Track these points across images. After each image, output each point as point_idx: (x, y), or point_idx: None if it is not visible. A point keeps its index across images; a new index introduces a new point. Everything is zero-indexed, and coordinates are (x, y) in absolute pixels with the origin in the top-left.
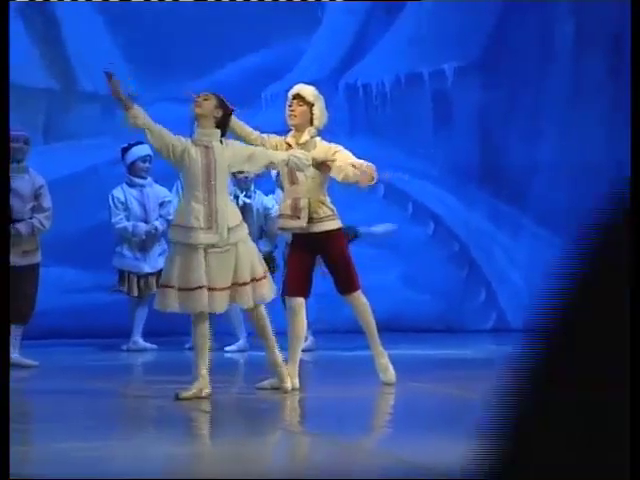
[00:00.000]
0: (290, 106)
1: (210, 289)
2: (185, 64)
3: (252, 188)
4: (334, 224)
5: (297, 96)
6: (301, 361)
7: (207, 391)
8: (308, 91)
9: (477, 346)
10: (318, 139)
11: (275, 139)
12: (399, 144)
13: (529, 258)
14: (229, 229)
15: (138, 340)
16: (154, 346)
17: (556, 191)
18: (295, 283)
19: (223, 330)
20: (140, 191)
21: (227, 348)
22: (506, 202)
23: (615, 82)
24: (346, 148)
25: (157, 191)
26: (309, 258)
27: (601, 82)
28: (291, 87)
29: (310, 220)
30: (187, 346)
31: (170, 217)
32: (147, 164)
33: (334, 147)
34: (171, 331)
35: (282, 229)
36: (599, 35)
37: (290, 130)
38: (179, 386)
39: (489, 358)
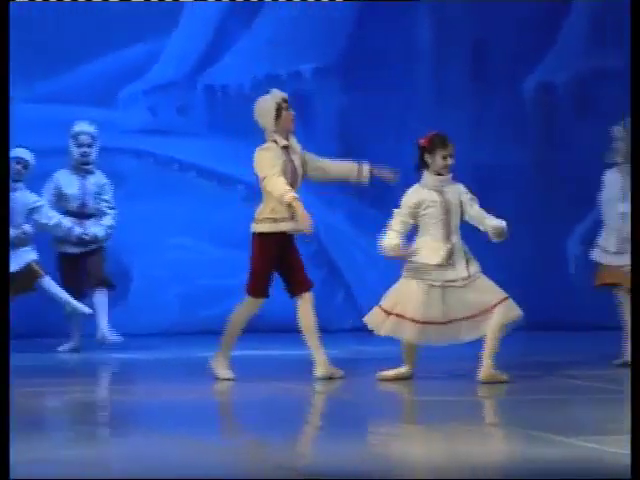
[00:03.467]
0: (291, 111)
1: None
2: (36, 65)
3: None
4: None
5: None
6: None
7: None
8: None
9: (340, 346)
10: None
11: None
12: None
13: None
14: None
15: None
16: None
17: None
18: (264, 284)
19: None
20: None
21: (60, 348)
22: (368, 205)
23: (477, 84)
24: (204, 148)
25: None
26: (276, 259)
27: (465, 84)
28: (147, 88)
29: (283, 220)
30: (60, 348)
31: (43, 221)
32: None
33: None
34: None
35: (284, 231)
36: (458, 37)
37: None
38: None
39: (353, 358)
